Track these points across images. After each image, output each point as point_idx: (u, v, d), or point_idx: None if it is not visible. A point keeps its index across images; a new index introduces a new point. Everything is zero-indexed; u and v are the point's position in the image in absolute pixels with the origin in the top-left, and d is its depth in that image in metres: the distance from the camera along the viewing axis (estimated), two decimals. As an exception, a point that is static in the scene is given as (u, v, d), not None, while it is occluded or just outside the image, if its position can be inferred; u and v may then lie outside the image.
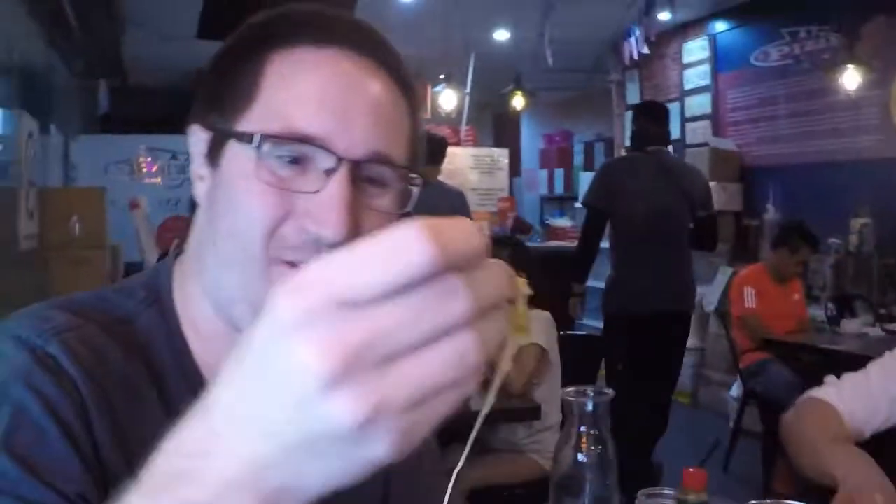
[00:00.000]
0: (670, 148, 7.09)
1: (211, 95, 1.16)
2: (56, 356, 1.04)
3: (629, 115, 11.51)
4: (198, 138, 1.17)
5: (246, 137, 1.07)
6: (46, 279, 5.50)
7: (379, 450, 0.58)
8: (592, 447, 1.43)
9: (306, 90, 1.09)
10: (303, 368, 0.55)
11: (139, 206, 7.34)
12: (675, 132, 10.85)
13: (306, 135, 1.06)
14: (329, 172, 1.06)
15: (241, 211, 1.08)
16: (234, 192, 1.09)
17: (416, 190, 1.16)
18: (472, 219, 6.10)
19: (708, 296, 8.61)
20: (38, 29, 7.25)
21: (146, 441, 0.76)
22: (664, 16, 9.91)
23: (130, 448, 1.03)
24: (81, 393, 1.03)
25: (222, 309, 1.14)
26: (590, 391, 1.45)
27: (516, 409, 4.31)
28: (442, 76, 11.40)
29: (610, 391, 1.47)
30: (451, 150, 8.04)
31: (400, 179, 1.14)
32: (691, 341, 8.16)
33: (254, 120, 1.10)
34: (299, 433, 0.58)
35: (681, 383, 8.44)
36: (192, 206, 1.22)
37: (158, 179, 10.21)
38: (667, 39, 11.10)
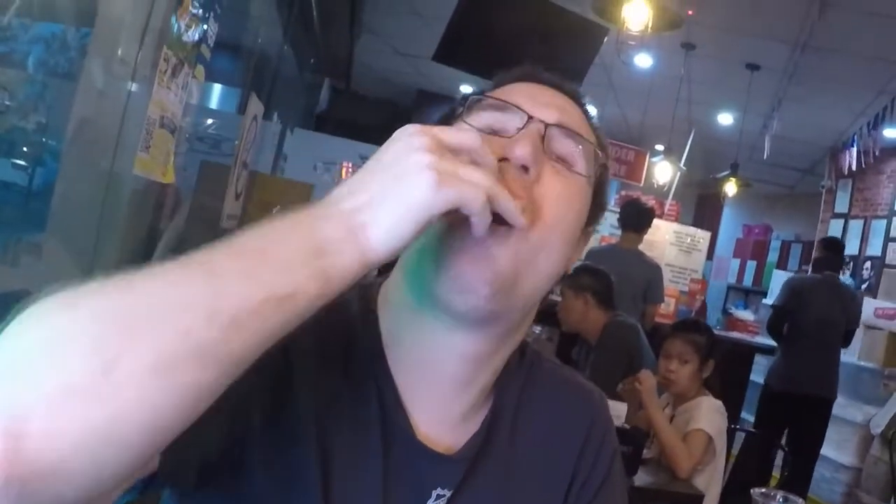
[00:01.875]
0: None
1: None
2: None
3: (833, 222, 11.54)
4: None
5: (461, 103, 1.27)
6: None
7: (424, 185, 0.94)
8: None
9: (509, 93, 1.26)
10: (418, 163, 0.95)
11: None
12: (875, 250, 10.84)
13: (506, 103, 1.22)
14: (520, 129, 1.19)
15: None
16: None
17: (598, 172, 1.29)
18: (664, 295, 6.26)
19: (877, 418, 8.58)
20: (280, 18, 7.53)
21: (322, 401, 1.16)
22: (891, 133, 10.02)
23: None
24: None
25: (413, 267, 1.19)
26: (780, 497, 1.43)
27: (680, 493, 4.22)
28: (661, 147, 11.66)
29: (800, 500, 1.48)
30: (654, 222, 8.20)
31: (587, 160, 1.25)
32: (849, 459, 8.30)
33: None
34: (396, 180, 0.95)
35: (830, 499, 8.47)
36: None
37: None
38: (887, 156, 11.14)
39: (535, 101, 1.24)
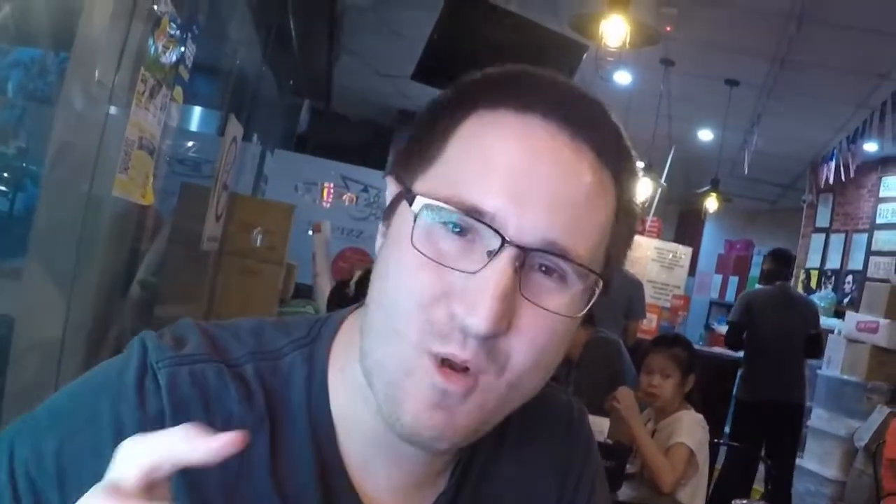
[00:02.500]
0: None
1: (404, 149, 1.09)
2: (159, 387, 1.00)
3: (815, 237, 11.60)
4: (390, 192, 1.08)
5: (409, 197, 0.99)
6: (219, 283, 5.58)
7: None
8: None
9: (490, 157, 0.97)
10: None
11: (321, 230, 7.44)
12: (857, 264, 10.89)
13: (473, 207, 0.95)
14: (492, 254, 0.95)
15: (391, 279, 0.99)
16: (391, 259, 1.01)
17: (597, 292, 1.02)
18: (645, 311, 6.28)
19: (860, 431, 8.60)
20: (259, 39, 7.54)
21: (236, 485, 1.01)
22: (870, 147, 10.08)
23: (207, 487, 1.00)
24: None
25: (367, 376, 1.02)
26: None
27: None
28: (641, 164, 11.54)
29: None
30: (636, 238, 8.22)
31: (582, 278, 1.00)
32: (833, 473, 8.37)
33: (428, 180, 1.01)
34: None
35: (814, 514, 8.49)
36: None
37: (345, 204, 10.45)
38: (867, 170, 11.22)
39: (521, 197, 0.96)
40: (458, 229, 0.96)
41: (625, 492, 4.16)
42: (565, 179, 0.98)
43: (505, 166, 0.96)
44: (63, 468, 0.95)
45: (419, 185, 1.01)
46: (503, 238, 0.94)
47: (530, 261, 0.96)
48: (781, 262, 8.75)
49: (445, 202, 0.95)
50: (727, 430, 8.88)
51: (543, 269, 0.98)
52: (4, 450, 0.97)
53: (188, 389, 1.01)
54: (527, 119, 0.99)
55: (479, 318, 0.92)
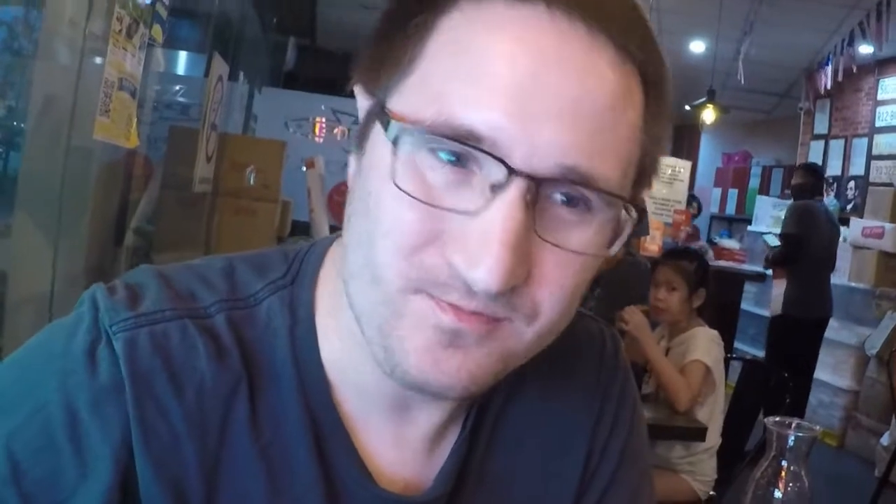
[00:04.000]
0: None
1: (371, 51, 0.89)
2: (116, 356, 0.87)
3: (814, 144, 11.51)
4: (360, 105, 0.91)
5: (383, 120, 0.82)
6: (214, 224, 5.50)
7: None
8: (790, 484, 1.31)
9: (483, 63, 0.78)
10: None
11: (314, 166, 7.39)
12: (858, 169, 10.84)
13: (467, 130, 0.77)
14: (496, 189, 0.78)
15: (369, 218, 0.83)
16: (368, 193, 0.84)
17: (629, 221, 0.85)
18: (648, 228, 6.16)
19: (871, 339, 8.57)
20: None
21: (216, 457, 0.90)
22: (866, 49, 10.03)
23: (182, 466, 0.89)
24: (128, 409, 0.86)
25: (358, 323, 0.88)
26: (794, 423, 1.33)
27: (681, 427, 4.21)
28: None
29: (817, 428, 1.39)
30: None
31: (610, 205, 0.83)
32: (846, 382, 8.34)
33: (405, 95, 0.83)
34: None
35: (829, 424, 8.48)
36: None
37: (338, 138, 10.39)
38: (864, 73, 11.20)
39: (529, 113, 0.77)
40: (451, 158, 0.79)
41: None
42: (582, 84, 0.78)
43: (504, 74, 0.77)
44: (16, 464, 0.82)
45: (395, 101, 0.83)
46: (508, 167, 0.76)
47: (544, 192, 0.79)
48: (814, 177, 8.58)
49: (431, 126, 0.78)
50: (737, 345, 8.85)
51: (562, 199, 0.81)
52: None
53: (149, 357, 0.87)
54: (526, 10, 0.79)
55: (486, 271, 0.76)
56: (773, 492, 1.32)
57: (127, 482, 0.85)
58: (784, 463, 1.32)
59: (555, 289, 0.82)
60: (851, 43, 9.80)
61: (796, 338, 8.18)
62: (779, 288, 8.44)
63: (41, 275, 3.06)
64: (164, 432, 0.87)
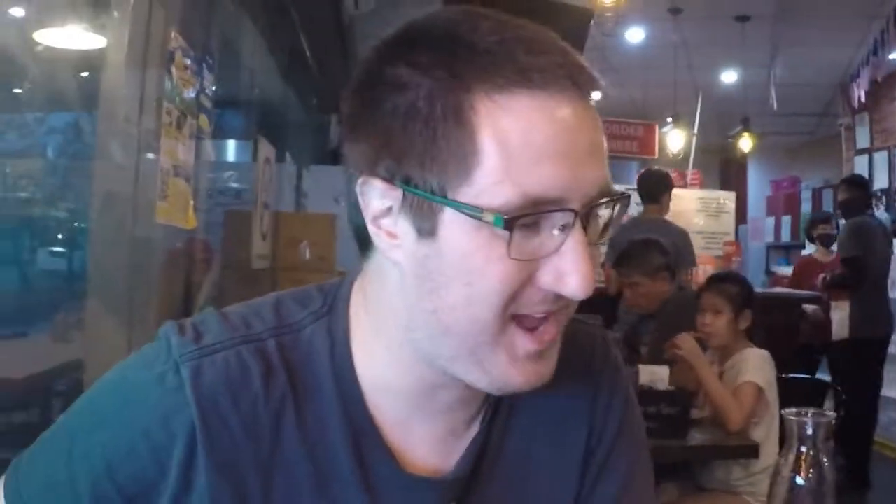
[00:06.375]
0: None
1: (390, 142, 1.02)
2: (183, 382, 1.09)
3: (858, 159, 11.48)
4: (377, 192, 1.05)
5: (481, 213, 0.97)
6: None
7: None
8: (811, 470, 1.37)
9: (539, 146, 0.97)
10: None
11: None
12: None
13: (545, 199, 0.97)
14: (566, 228, 1.00)
15: (478, 285, 1.00)
16: (469, 267, 1.00)
17: (617, 209, 1.09)
18: (695, 260, 6.10)
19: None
20: (277, 65, 7.62)
21: (271, 458, 1.12)
22: (895, 56, 9.96)
23: (243, 465, 1.11)
24: (195, 430, 1.08)
25: (433, 364, 1.10)
26: (810, 412, 1.40)
27: (734, 446, 4.25)
28: (669, 118, 11.73)
29: (831, 413, 1.45)
30: (677, 192, 8.32)
31: (607, 205, 1.06)
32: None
33: (481, 186, 0.98)
34: None
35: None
36: (359, 238, 1.16)
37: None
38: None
39: (576, 172, 0.99)
40: (535, 225, 1.00)
41: (693, 436, 4.18)
42: (595, 134, 1.02)
43: (555, 151, 0.97)
44: (109, 463, 1.08)
45: (465, 192, 0.98)
46: (575, 212, 0.99)
47: (594, 210, 1.03)
48: (861, 189, 8.41)
49: (521, 207, 0.96)
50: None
51: (599, 211, 1.05)
52: (62, 465, 1.10)
53: (211, 379, 1.09)
54: (548, 100, 0.99)
55: (577, 287, 1.00)
56: (795, 478, 1.38)
57: (190, 481, 1.08)
58: (804, 449, 1.38)
59: (586, 275, 1.01)
60: (877, 52, 9.73)
61: (866, 358, 7.95)
62: (840, 311, 8.15)
63: (116, 359, 3.16)
64: (225, 439, 1.09)
